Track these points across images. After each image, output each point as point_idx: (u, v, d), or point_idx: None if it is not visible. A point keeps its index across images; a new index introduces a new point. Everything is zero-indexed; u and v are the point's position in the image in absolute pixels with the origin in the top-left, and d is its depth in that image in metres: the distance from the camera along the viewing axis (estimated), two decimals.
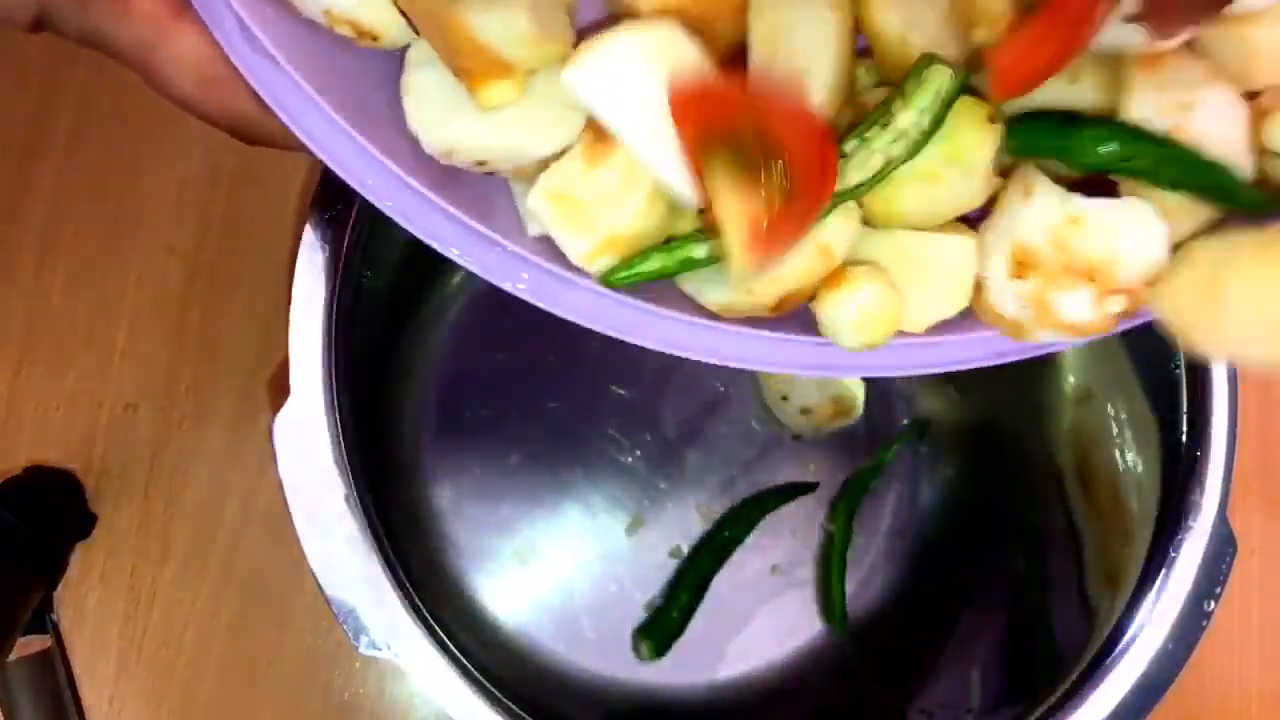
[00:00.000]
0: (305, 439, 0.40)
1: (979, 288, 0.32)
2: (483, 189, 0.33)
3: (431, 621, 0.40)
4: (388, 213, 0.32)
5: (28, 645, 0.53)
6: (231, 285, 0.58)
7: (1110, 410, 0.51)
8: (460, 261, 0.32)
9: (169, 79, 0.32)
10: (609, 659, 0.58)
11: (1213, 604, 0.43)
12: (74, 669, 0.55)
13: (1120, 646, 0.43)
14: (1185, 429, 0.45)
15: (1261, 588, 0.61)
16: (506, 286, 0.33)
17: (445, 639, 0.40)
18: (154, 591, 0.56)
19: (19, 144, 0.58)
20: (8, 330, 0.57)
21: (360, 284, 0.43)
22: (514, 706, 0.41)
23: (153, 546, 0.56)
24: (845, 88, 0.32)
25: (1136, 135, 0.30)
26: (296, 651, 0.56)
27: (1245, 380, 0.45)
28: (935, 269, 0.32)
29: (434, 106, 0.31)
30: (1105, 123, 0.30)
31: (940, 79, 0.29)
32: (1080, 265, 0.30)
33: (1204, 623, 0.43)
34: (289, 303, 0.40)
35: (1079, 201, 0.30)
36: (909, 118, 0.29)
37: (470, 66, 0.29)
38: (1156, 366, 0.47)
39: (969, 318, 0.33)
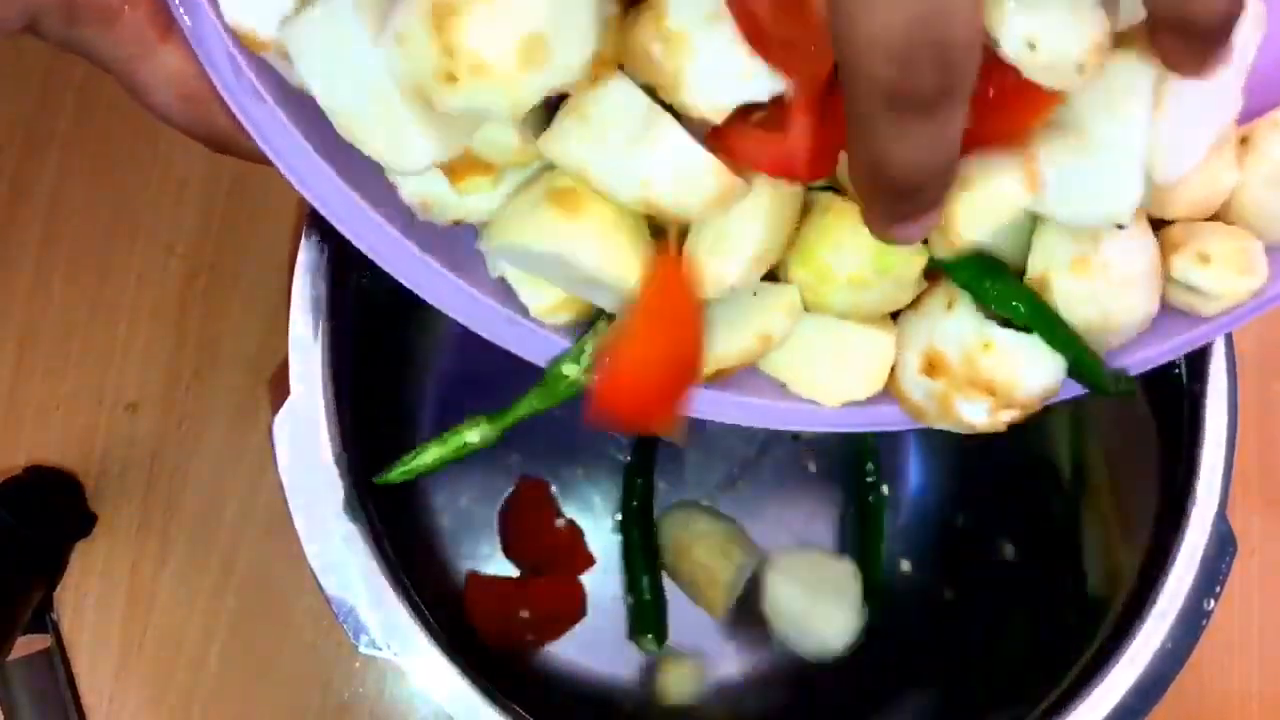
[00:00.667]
0: (305, 439, 0.40)
1: (894, 369, 0.36)
2: (452, 228, 0.34)
3: (431, 621, 0.40)
4: (359, 246, 0.33)
5: (28, 645, 0.53)
6: (231, 285, 0.58)
7: (1110, 410, 0.51)
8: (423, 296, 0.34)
9: (151, 92, 0.32)
10: (609, 659, 0.58)
11: (1213, 604, 0.43)
12: (74, 669, 0.55)
13: (1120, 646, 0.43)
14: (1185, 427, 0.45)
15: (1261, 588, 0.61)
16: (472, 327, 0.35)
17: (445, 639, 0.40)
18: (154, 591, 0.56)
19: (19, 144, 0.58)
20: (8, 330, 0.57)
21: (360, 284, 0.43)
22: (514, 706, 0.41)
23: (153, 546, 0.56)
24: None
25: (1034, 304, 0.33)
26: (296, 651, 0.56)
27: (1245, 380, 0.45)
28: (855, 356, 0.35)
29: None
30: (1012, 285, 0.33)
31: None
32: (984, 381, 0.33)
33: (1204, 623, 0.43)
34: (289, 303, 0.40)
35: (993, 329, 0.33)
36: None
37: (455, 165, 0.31)
38: (1156, 366, 0.46)
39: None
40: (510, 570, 0.59)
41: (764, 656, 0.60)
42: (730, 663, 0.59)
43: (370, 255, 0.33)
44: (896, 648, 0.59)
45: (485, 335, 0.35)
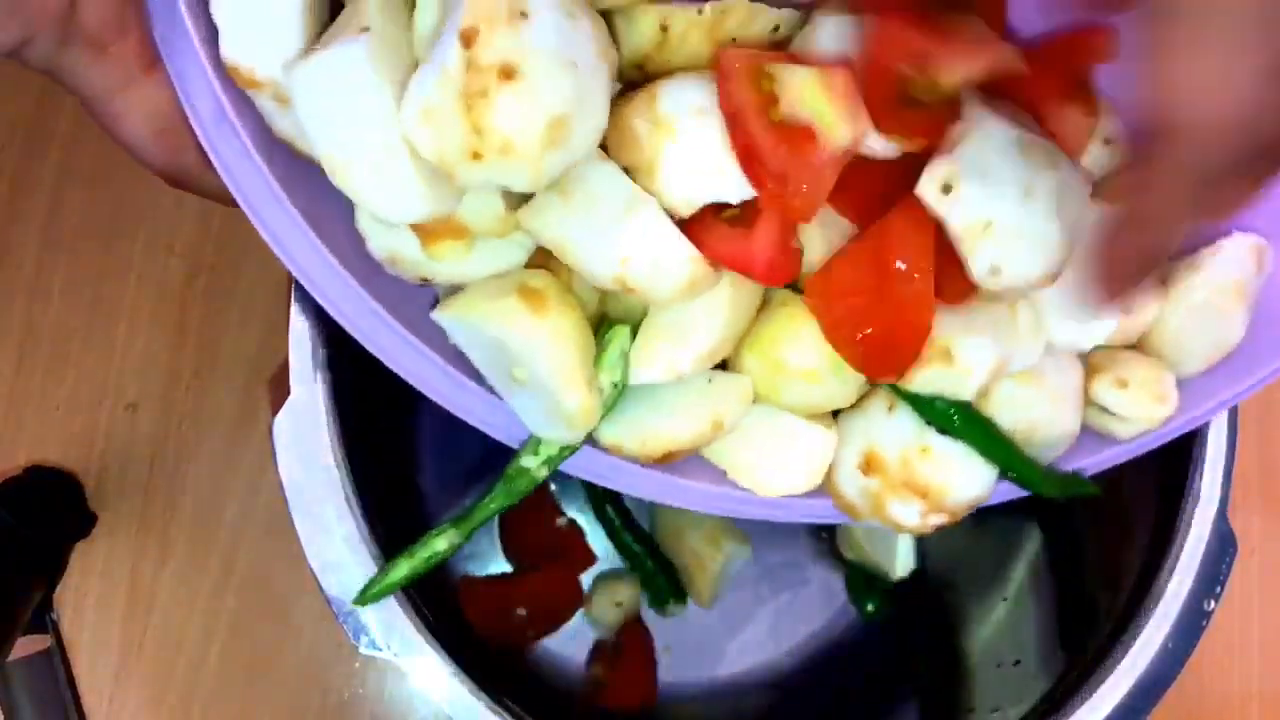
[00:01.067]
0: (305, 439, 0.40)
1: (831, 465, 0.36)
2: (407, 285, 0.34)
3: (431, 621, 0.40)
4: (324, 306, 0.33)
5: (28, 645, 0.53)
6: (231, 285, 0.58)
7: None
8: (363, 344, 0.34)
9: (124, 124, 0.32)
10: None
11: (1213, 604, 0.43)
12: (74, 669, 0.55)
13: (1120, 647, 0.43)
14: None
15: (1261, 588, 0.61)
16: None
17: (445, 639, 0.40)
18: (154, 591, 0.56)
19: (19, 143, 0.58)
20: (8, 330, 0.57)
21: None
22: (514, 706, 0.41)
23: (153, 546, 0.56)
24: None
25: (967, 414, 0.34)
26: (296, 651, 0.56)
27: None
28: (799, 449, 0.36)
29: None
30: (955, 402, 0.34)
31: (621, 339, 0.33)
32: (918, 484, 0.35)
33: (1204, 623, 0.43)
34: (289, 303, 0.40)
35: (931, 435, 0.34)
36: (605, 379, 0.33)
37: (430, 227, 0.31)
38: None
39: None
40: (510, 570, 0.59)
41: (764, 656, 0.60)
42: (730, 663, 0.59)
43: (322, 302, 0.33)
44: (896, 647, 0.59)
45: (446, 405, 0.35)
